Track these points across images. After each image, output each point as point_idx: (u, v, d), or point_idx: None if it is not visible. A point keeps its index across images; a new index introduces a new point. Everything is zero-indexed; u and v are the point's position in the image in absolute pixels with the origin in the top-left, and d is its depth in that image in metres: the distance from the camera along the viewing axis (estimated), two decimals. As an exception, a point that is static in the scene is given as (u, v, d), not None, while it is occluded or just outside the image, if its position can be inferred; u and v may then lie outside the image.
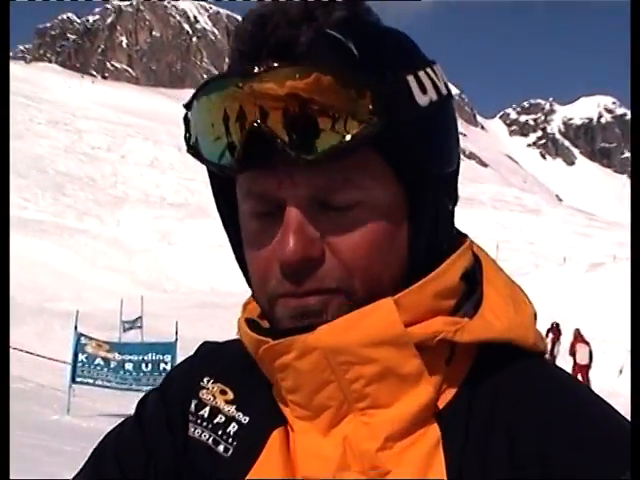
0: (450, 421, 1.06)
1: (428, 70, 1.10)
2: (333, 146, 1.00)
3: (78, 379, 21.92)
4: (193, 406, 1.25)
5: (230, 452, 1.19)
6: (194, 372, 1.29)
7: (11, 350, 28.48)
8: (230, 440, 1.20)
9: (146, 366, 22.19)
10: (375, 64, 1.04)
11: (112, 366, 22.21)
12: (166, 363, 22.09)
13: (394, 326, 1.04)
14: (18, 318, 39.62)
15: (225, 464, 1.18)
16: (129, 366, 22.22)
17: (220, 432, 1.21)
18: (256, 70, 1.02)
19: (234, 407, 1.22)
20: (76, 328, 22.64)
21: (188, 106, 1.11)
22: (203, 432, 1.22)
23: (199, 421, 1.23)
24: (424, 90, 1.07)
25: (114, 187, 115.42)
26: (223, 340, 1.38)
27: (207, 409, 1.23)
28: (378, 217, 1.06)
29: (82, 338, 22.49)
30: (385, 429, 1.05)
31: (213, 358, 1.32)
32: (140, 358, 22.36)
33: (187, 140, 1.12)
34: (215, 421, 1.22)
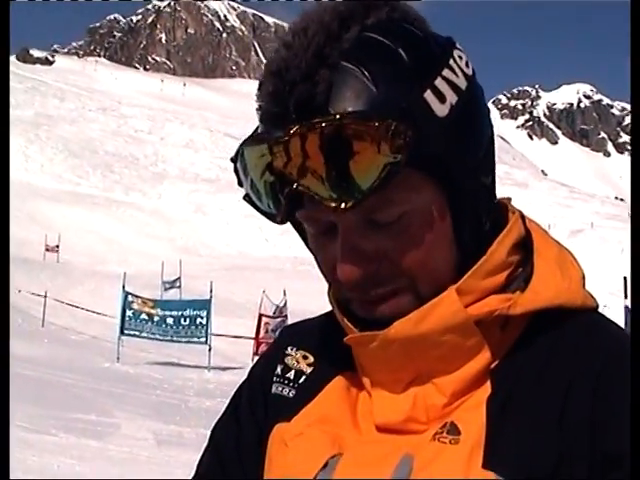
0: (499, 378, 1.07)
1: (445, 71, 1.03)
2: (367, 188, 0.97)
3: (126, 331, 22.12)
4: (279, 370, 1.25)
5: (295, 395, 1.21)
6: (279, 346, 1.30)
7: (67, 306, 28.72)
8: (299, 386, 1.22)
9: (184, 320, 22.35)
10: (390, 96, 0.99)
11: (155, 320, 22.37)
12: (202, 318, 22.25)
13: (458, 314, 1.05)
14: (73, 279, 39.88)
15: (289, 404, 1.20)
16: (170, 320, 22.40)
17: (295, 384, 1.22)
18: (283, 136, 0.98)
19: (314, 368, 1.22)
20: (124, 287, 22.81)
21: (235, 159, 1.09)
22: (284, 388, 1.22)
23: (285, 381, 1.23)
24: (442, 99, 1.02)
25: (155, 165, 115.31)
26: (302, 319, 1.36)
27: (292, 372, 1.23)
28: (423, 222, 1.04)
29: (129, 296, 22.65)
30: (450, 387, 1.07)
31: (294, 332, 1.33)
32: (179, 314, 22.53)
33: (240, 185, 1.10)
34: (300, 382, 1.22)
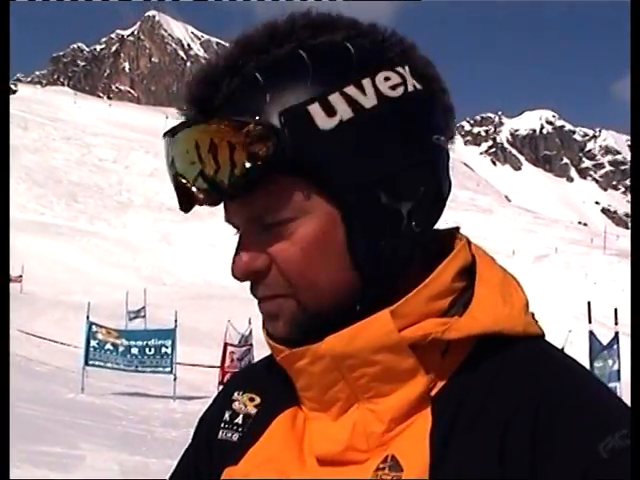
0: (440, 406, 1.07)
1: (348, 88, 1.05)
2: (231, 189, 1.03)
3: (90, 362, 21.95)
4: (227, 416, 1.26)
5: (239, 438, 1.22)
6: (226, 392, 1.30)
7: (31, 337, 28.46)
8: (244, 430, 1.23)
9: (149, 350, 22.28)
10: (275, 107, 1.04)
11: (120, 350, 22.25)
12: (167, 347, 22.19)
13: (390, 335, 1.05)
14: (37, 309, 39.56)
15: (235, 447, 1.20)
16: (135, 350, 22.30)
17: (241, 428, 1.23)
18: (171, 133, 1.07)
19: (262, 408, 1.23)
20: (88, 317, 22.67)
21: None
22: (232, 434, 1.23)
23: (233, 427, 1.24)
24: (331, 113, 1.04)
25: (120, 194, 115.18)
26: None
27: (240, 417, 1.24)
28: (309, 228, 1.05)
29: (93, 326, 22.53)
30: (388, 414, 1.07)
31: (241, 376, 1.35)
32: (144, 343, 22.45)
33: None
34: (243, 422, 1.23)
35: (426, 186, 1.10)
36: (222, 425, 1.25)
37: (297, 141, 1.02)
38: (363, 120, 1.05)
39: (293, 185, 1.04)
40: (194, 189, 1.05)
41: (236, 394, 1.27)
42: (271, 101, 1.03)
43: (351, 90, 1.05)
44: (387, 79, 1.07)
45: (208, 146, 1.02)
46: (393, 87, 1.07)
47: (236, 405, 1.26)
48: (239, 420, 1.24)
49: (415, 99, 1.09)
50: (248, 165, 1.01)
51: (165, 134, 1.09)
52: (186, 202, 1.08)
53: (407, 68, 1.09)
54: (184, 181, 1.05)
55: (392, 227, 1.08)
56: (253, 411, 1.23)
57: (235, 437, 1.22)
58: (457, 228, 1.21)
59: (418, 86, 1.09)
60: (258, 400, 1.24)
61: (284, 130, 1.02)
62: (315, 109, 1.04)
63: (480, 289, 1.13)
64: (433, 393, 1.08)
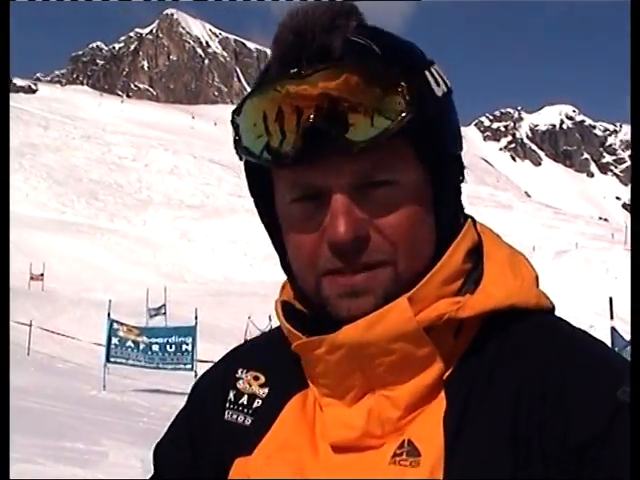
0: (453, 388, 1.06)
1: (436, 67, 1.11)
2: (378, 134, 1.01)
3: (112, 359, 22.00)
4: (232, 395, 1.24)
5: (251, 423, 1.20)
6: (227, 369, 1.28)
7: (53, 335, 28.57)
8: (254, 414, 1.21)
9: (170, 347, 22.28)
10: (400, 64, 1.05)
11: (141, 348, 22.28)
12: (187, 344, 22.19)
13: (408, 323, 1.04)
14: (58, 307, 39.71)
15: (246, 433, 1.18)
16: (155, 347, 22.32)
17: (250, 410, 1.21)
18: (305, 72, 1.03)
19: (267, 389, 1.21)
20: (109, 315, 22.73)
21: (237, 111, 1.11)
22: (239, 415, 1.21)
23: (239, 408, 1.22)
24: (438, 83, 1.09)
25: (139, 192, 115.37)
26: (249, 339, 1.35)
27: (245, 397, 1.22)
28: (411, 198, 1.06)
29: (114, 324, 22.57)
30: (404, 400, 1.06)
31: (243, 352, 1.32)
32: (165, 340, 22.45)
33: (237, 142, 1.11)
34: (254, 406, 1.21)
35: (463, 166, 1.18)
36: (227, 405, 1.23)
37: (422, 103, 1.05)
38: (451, 97, 1.13)
39: (405, 145, 1.05)
40: (337, 131, 1.02)
41: (240, 372, 1.25)
42: (394, 60, 1.06)
43: (437, 68, 1.13)
44: (439, 69, 1.13)
45: (351, 95, 1.02)
46: (438, 83, 1.12)
47: (240, 384, 1.24)
48: (244, 400, 1.22)
49: (450, 93, 1.15)
50: (392, 121, 1.02)
51: (283, 78, 1.05)
52: (307, 148, 1.04)
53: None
54: (324, 123, 1.02)
55: (458, 199, 1.17)
56: (259, 391, 1.22)
57: (242, 419, 1.21)
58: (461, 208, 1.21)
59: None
60: (263, 379, 1.22)
61: (414, 90, 1.04)
62: (429, 75, 1.09)
63: (489, 266, 1.13)
64: (446, 376, 1.07)
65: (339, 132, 1.02)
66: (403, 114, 1.02)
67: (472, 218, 1.20)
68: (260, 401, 1.21)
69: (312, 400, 1.15)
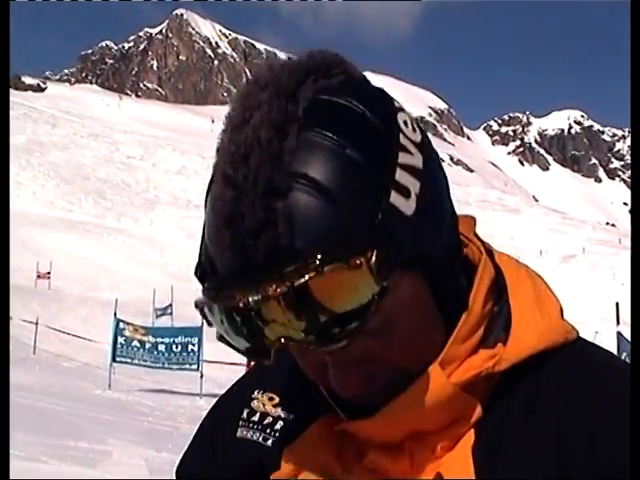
0: (482, 427, 1.04)
1: (401, 156, 0.96)
2: (357, 326, 0.91)
3: (118, 359, 22.07)
4: (245, 414, 1.22)
5: (273, 442, 1.17)
6: (246, 388, 1.26)
7: (59, 334, 28.59)
8: (276, 434, 1.18)
9: (176, 347, 22.33)
10: (357, 215, 0.91)
11: (147, 347, 22.34)
12: (193, 345, 22.23)
13: (446, 388, 1.01)
14: (65, 306, 39.80)
15: (268, 452, 1.16)
16: (162, 347, 22.37)
17: (268, 430, 1.18)
18: (258, 298, 0.89)
19: (280, 409, 1.19)
20: (115, 314, 22.80)
21: (200, 306, 0.99)
22: (253, 433, 1.20)
23: (251, 425, 1.21)
24: (407, 194, 0.95)
25: (147, 191, 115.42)
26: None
27: (257, 415, 1.21)
28: (406, 313, 0.98)
29: (120, 323, 22.63)
30: (441, 443, 1.04)
31: (259, 373, 1.29)
32: (171, 340, 22.49)
33: (210, 324, 0.98)
34: (264, 422, 1.19)
35: (451, 204, 1.07)
36: (241, 423, 1.22)
37: (400, 242, 0.93)
38: (427, 183, 0.98)
39: (397, 280, 0.94)
40: (311, 342, 0.92)
41: (256, 392, 1.24)
42: (347, 212, 0.91)
43: (403, 157, 0.96)
44: (405, 123, 1.00)
45: (314, 295, 0.88)
46: (413, 129, 1.01)
47: (255, 404, 1.22)
48: (256, 418, 1.21)
49: (422, 133, 1.03)
50: (372, 293, 0.90)
51: (230, 299, 0.92)
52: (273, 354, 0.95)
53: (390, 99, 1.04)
54: (299, 341, 0.92)
55: (454, 270, 1.06)
56: (272, 411, 1.20)
57: (256, 438, 1.19)
58: (472, 217, 1.17)
59: (408, 116, 1.03)
60: (277, 400, 1.21)
61: (384, 238, 0.91)
62: (396, 199, 0.94)
63: (516, 306, 1.08)
64: (477, 417, 1.05)
65: (313, 344, 0.93)
66: (377, 293, 0.90)
67: (486, 247, 1.14)
68: (278, 423, 1.19)
69: (338, 430, 1.11)
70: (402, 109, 1.01)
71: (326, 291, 0.88)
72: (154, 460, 11.45)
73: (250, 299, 0.89)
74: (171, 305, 36.47)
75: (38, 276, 48.76)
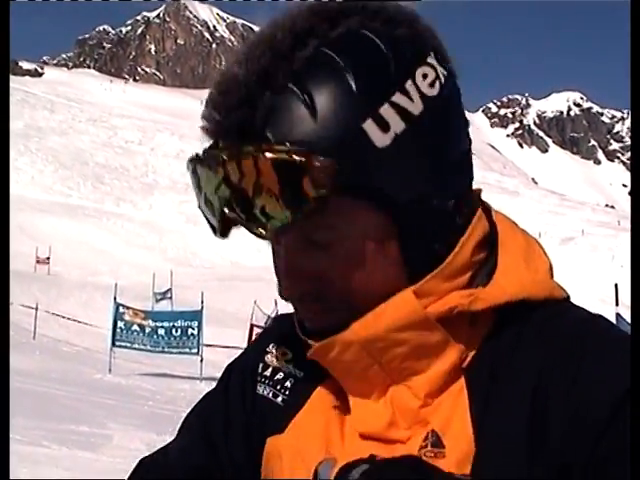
0: (473, 377, 1.06)
1: (396, 96, 1.00)
2: (288, 219, 0.98)
3: (117, 343, 22.11)
4: (260, 368, 1.25)
5: (283, 401, 1.20)
6: (263, 341, 1.29)
7: (59, 318, 28.62)
8: (286, 392, 1.20)
9: (176, 331, 22.36)
10: (327, 127, 0.97)
11: (147, 332, 22.38)
12: (193, 329, 22.27)
13: (415, 312, 1.03)
14: (64, 291, 39.81)
15: (278, 411, 1.19)
16: (161, 331, 22.41)
17: (279, 387, 1.21)
18: (212, 160, 1.01)
19: (292, 365, 1.21)
20: (115, 299, 22.83)
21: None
22: (265, 388, 1.22)
23: (264, 380, 1.23)
24: (386, 128, 0.99)
25: (145, 176, 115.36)
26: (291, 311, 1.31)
27: (270, 369, 1.23)
28: (362, 246, 1.02)
29: (120, 307, 22.66)
30: (423, 389, 1.06)
31: (279, 326, 1.31)
32: (171, 325, 22.52)
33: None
34: (275, 378, 1.22)
35: (467, 175, 1.10)
36: (258, 379, 1.25)
37: (358, 165, 0.98)
38: (416, 130, 1.01)
39: (351, 205, 1.00)
40: (249, 223, 1.00)
41: (270, 346, 1.26)
42: (322, 121, 0.97)
43: (398, 98, 1.00)
44: (425, 76, 1.02)
45: (266, 176, 0.96)
46: (431, 84, 1.03)
47: (268, 358, 1.25)
48: (267, 373, 1.24)
49: (448, 90, 1.05)
50: (313, 194, 0.96)
51: (197, 160, 1.04)
52: (227, 229, 1.05)
53: (432, 54, 1.05)
54: (234, 215, 1.00)
55: (443, 228, 1.06)
56: (284, 367, 1.23)
57: (273, 396, 1.21)
58: (479, 190, 1.17)
59: (445, 72, 1.05)
60: (290, 356, 1.23)
61: (343, 154, 0.97)
62: (370, 126, 0.98)
63: (503, 257, 1.11)
64: (465, 364, 1.07)
65: (250, 223, 1.00)
66: (314, 197, 0.96)
67: (487, 207, 1.16)
68: (289, 380, 1.21)
69: (340, 389, 1.13)
70: (430, 64, 1.03)
71: (269, 177, 0.95)
72: (155, 444, 11.44)
73: (211, 161, 1.00)
74: (171, 289, 36.47)
75: (37, 261, 48.83)
